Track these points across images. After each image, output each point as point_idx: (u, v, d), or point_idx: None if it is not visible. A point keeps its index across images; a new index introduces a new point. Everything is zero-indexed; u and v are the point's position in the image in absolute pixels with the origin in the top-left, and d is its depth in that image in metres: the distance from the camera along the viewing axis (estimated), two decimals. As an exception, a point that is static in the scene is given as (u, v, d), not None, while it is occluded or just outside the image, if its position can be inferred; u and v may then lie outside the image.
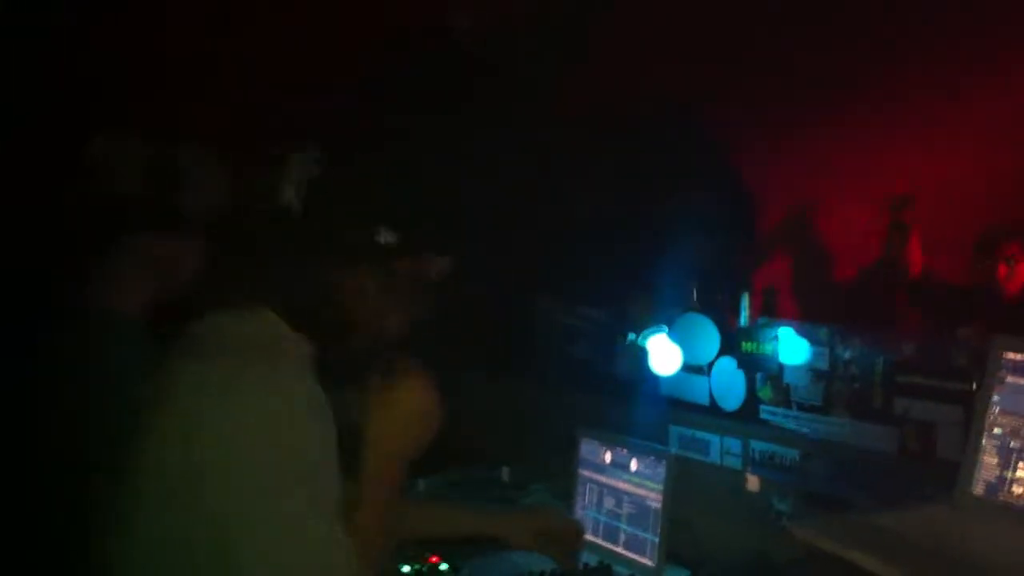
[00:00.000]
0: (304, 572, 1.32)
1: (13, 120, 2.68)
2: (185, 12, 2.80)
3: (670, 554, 2.39)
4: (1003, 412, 1.85)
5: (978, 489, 1.84)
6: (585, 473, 2.67)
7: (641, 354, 2.92)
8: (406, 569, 2.36)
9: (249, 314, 1.45)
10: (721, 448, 2.64)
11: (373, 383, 1.54)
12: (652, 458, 2.47)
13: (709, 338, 2.74)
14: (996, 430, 1.85)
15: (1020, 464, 1.79)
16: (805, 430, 2.45)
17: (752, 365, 2.63)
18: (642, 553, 2.43)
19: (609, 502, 2.56)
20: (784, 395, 2.53)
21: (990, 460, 1.84)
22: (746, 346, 2.65)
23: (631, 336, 3.02)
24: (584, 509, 2.64)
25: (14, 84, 2.69)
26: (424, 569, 2.38)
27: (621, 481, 2.54)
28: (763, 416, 2.58)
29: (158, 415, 1.36)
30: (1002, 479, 1.81)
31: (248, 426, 1.31)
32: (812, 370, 2.47)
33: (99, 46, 2.80)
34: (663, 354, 2.83)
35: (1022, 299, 3.38)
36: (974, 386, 2.09)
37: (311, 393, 1.39)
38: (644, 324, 2.95)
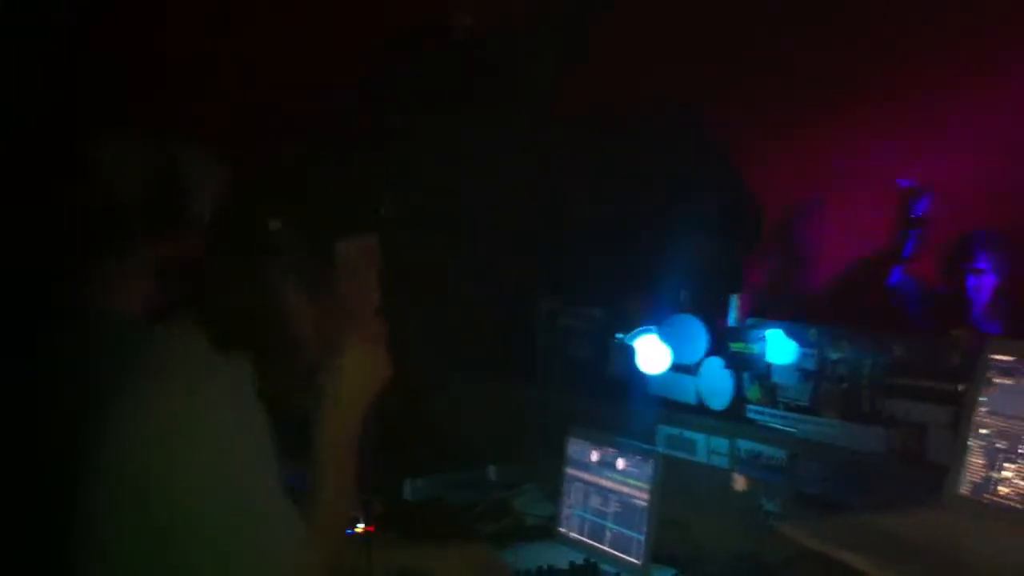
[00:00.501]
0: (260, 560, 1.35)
1: (11, 120, 2.67)
2: (179, 11, 2.79)
3: (657, 553, 2.38)
4: (990, 413, 1.86)
5: (965, 489, 1.84)
6: (572, 472, 2.66)
7: (631, 353, 2.92)
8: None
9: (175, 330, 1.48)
10: (708, 447, 2.63)
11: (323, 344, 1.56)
12: (639, 457, 2.46)
13: (698, 338, 2.74)
14: (983, 431, 1.86)
15: (1007, 465, 1.79)
16: (792, 430, 2.45)
17: (740, 365, 2.62)
18: (628, 552, 2.42)
19: (596, 501, 2.56)
20: (772, 395, 2.53)
21: (977, 461, 1.84)
22: (734, 346, 2.65)
23: (620, 336, 3.02)
24: (571, 507, 2.64)
25: (12, 83, 2.68)
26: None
27: (608, 480, 2.53)
28: (750, 416, 2.57)
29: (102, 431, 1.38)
30: (989, 479, 1.81)
31: (181, 441, 1.33)
32: (800, 370, 2.47)
33: (96, 46, 2.79)
34: (652, 353, 2.83)
35: (991, 310, 3.39)
36: (962, 387, 2.09)
37: (237, 399, 1.42)
38: (637, 324, 2.95)
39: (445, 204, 3.52)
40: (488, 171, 3.59)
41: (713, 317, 2.79)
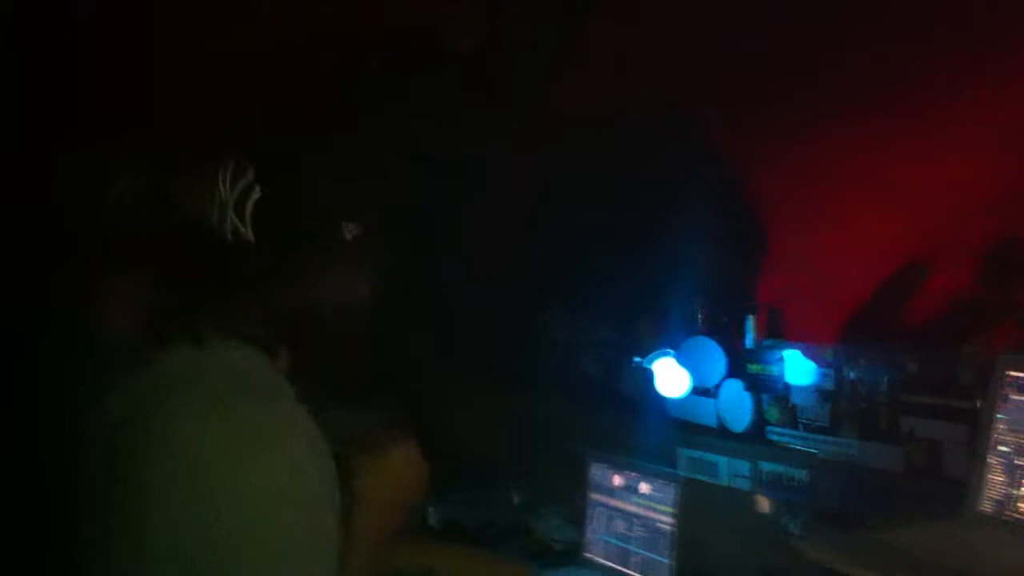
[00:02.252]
0: None
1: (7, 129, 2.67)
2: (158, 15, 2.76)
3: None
4: (1008, 430, 1.88)
5: (985, 506, 1.87)
6: (596, 497, 2.69)
7: (648, 376, 2.95)
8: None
9: (225, 345, 1.34)
10: (730, 470, 2.66)
11: (360, 447, 1.51)
12: (663, 481, 2.49)
13: (715, 360, 2.77)
14: (1001, 448, 1.88)
15: (1026, 481, 1.82)
16: (813, 450, 2.48)
17: (759, 386, 2.65)
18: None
19: (620, 525, 2.59)
20: (791, 416, 2.56)
21: (996, 478, 1.87)
22: (752, 368, 2.68)
23: (637, 359, 3.05)
24: (595, 533, 2.67)
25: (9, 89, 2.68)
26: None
27: (632, 504, 2.56)
28: (770, 437, 2.60)
29: (146, 472, 1.19)
30: (1009, 496, 1.84)
31: (260, 486, 1.17)
32: (819, 390, 2.50)
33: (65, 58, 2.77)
34: (670, 377, 2.86)
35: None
36: (979, 404, 2.11)
37: (313, 436, 1.27)
38: (651, 346, 2.97)
39: (448, 223, 3.55)
40: (492, 188, 3.61)
41: (729, 338, 2.82)
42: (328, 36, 2.88)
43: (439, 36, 3.06)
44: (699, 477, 2.70)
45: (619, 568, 2.56)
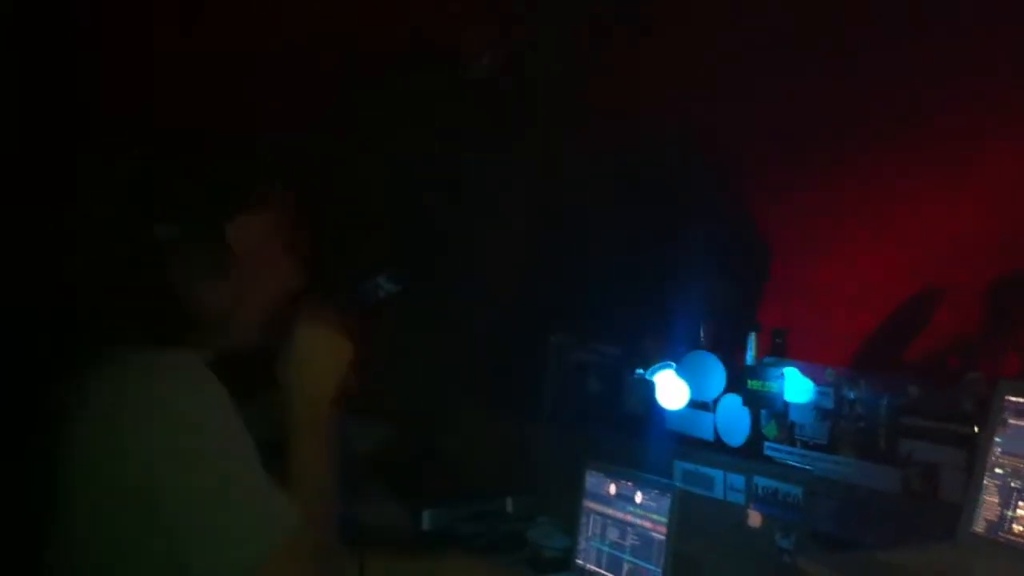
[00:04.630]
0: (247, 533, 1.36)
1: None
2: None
3: (672, 587, 2.42)
4: (1005, 453, 1.90)
5: (980, 527, 1.88)
6: (590, 505, 2.70)
7: (649, 389, 2.96)
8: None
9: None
10: (725, 484, 2.67)
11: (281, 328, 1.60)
12: (657, 491, 2.50)
13: (716, 375, 2.78)
14: (998, 470, 1.89)
15: (1020, 503, 1.83)
16: (809, 468, 2.48)
17: (757, 402, 2.66)
18: (645, 585, 2.46)
19: (613, 533, 2.60)
20: (789, 433, 2.57)
21: (991, 499, 1.88)
22: (752, 384, 2.68)
23: (639, 371, 3.06)
24: (588, 540, 2.67)
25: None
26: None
27: (626, 513, 2.57)
28: (767, 453, 2.61)
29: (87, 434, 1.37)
30: (1003, 518, 1.84)
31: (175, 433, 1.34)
32: (818, 409, 2.50)
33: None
34: (670, 389, 2.87)
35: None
36: (976, 430, 2.12)
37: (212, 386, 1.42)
38: (654, 360, 2.99)
39: (455, 240, 3.57)
40: (503, 210, 3.63)
41: (730, 354, 2.83)
42: (351, 54, 2.90)
43: (461, 59, 3.08)
44: (694, 490, 2.71)
45: (610, 576, 2.57)
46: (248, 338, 1.61)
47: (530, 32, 2.99)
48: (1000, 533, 1.84)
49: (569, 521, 2.81)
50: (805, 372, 2.57)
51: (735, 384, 2.75)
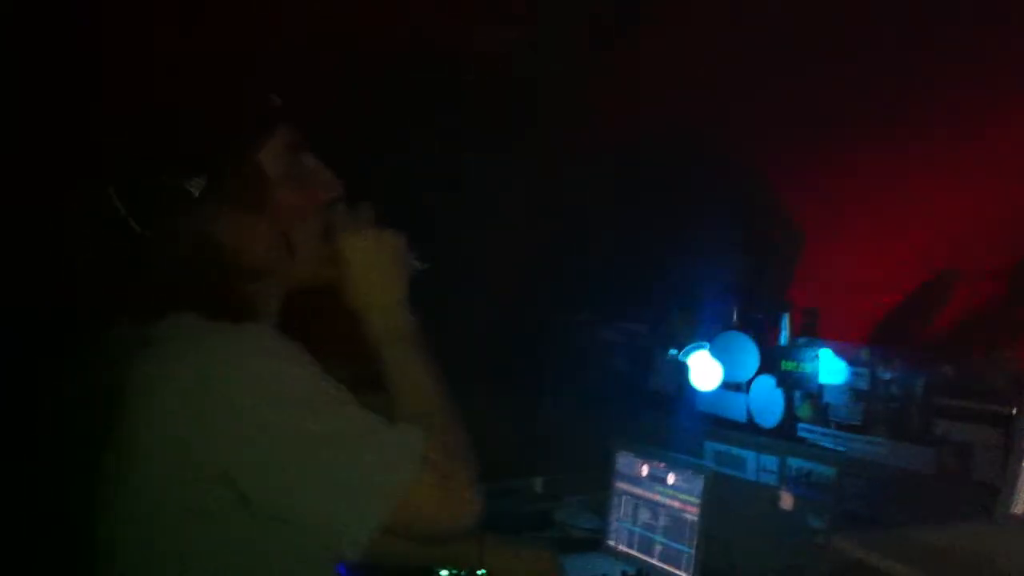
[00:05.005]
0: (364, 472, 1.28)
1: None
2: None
3: (703, 568, 2.41)
4: (1043, 433, 1.88)
5: (1018, 508, 1.86)
6: (621, 485, 2.70)
7: (681, 370, 2.95)
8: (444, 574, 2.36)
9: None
10: (757, 465, 2.66)
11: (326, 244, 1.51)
12: (690, 472, 2.50)
13: (749, 356, 2.77)
14: (1035, 450, 1.88)
15: (1060, 484, 1.81)
16: (843, 448, 2.47)
17: (791, 383, 2.65)
18: (677, 565, 2.45)
19: (645, 514, 2.59)
20: (822, 414, 2.56)
21: (1029, 480, 1.86)
22: (785, 364, 2.67)
23: (672, 352, 3.05)
24: (619, 520, 2.67)
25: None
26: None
27: (658, 494, 2.56)
28: (801, 434, 2.60)
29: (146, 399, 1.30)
30: (1041, 499, 1.83)
31: (246, 387, 1.27)
32: (851, 390, 2.49)
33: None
34: (704, 370, 2.86)
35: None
36: (1013, 410, 2.11)
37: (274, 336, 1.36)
38: (685, 340, 2.98)
39: (477, 220, 3.56)
40: (522, 189, 3.62)
41: (763, 335, 2.82)
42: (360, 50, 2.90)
43: (472, 55, 3.08)
44: (725, 470, 2.70)
45: (640, 556, 2.57)
46: (310, 271, 1.53)
47: (530, 32, 2.98)
48: (1039, 514, 1.82)
49: (596, 501, 2.81)
50: (839, 352, 2.56)
51: (768, 365, 2.73)
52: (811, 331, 2.71)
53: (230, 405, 1.27)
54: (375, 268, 1.53)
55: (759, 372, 2.75)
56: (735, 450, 2.73)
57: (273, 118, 1.49)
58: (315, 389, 1.32)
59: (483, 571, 2.27)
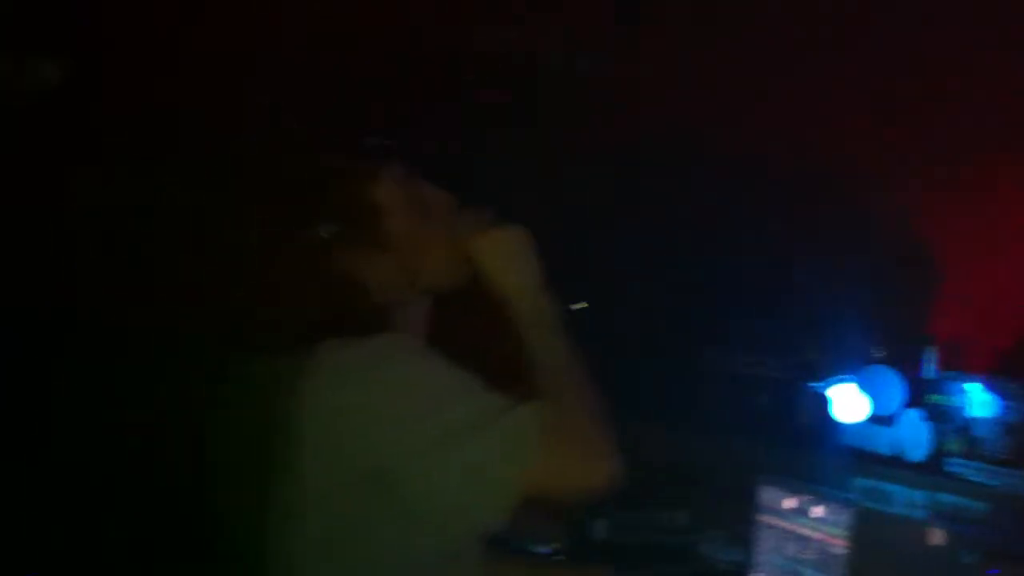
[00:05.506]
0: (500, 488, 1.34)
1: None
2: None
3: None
4: None
5: None
6: (765, 519, 2.70)
7: (825, 403, 2.94)
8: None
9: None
10: (904, 499, 2.63)
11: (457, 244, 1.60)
12: (836, 505, 2.49)
13: (895, 389, 2.74)
14: None
15: None
16: (994, 483, 2.43)
17: (938, 417, 2.62)
18: (825, 599, 2.45)
19: (790, 547, 2.59)
20: (972, 448, 2.52)
21: None
22: (932, 398, 2.64)
23: (815, 385, 3.04)
24: (764, 554, 2.67)
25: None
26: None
27: (803, 527, 2.56)
28: (949, 469, 2.56)
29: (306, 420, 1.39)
30: None
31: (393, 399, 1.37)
32: (1002, 423, 2.45)
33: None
34: (849, 403, 2.84)
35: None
36: None
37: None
38: (826, 373, 2.96)
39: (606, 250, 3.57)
40: (652, 223, 3.62)
41: (909, 368, 2.79)
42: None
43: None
44: (871, 505, 2.67)
45: (788, 590, 2.57)
46: (442, 280, 1.63)
47: (531, 32, 2.97)
48: None
49: (740, 535, 2.81)
50: (987, 386, 2.52)
51: (914, 398, 2.71)
52: (955, 364, 2.68)
53: (375, 407, 1.37)
54: (510, 259, 1.61)
55: (906, 405, 2.72)
56: (882, 484, 2.70)
57: (388, 159, 1.60)
58: (450, 380, 1.41)
59: None
